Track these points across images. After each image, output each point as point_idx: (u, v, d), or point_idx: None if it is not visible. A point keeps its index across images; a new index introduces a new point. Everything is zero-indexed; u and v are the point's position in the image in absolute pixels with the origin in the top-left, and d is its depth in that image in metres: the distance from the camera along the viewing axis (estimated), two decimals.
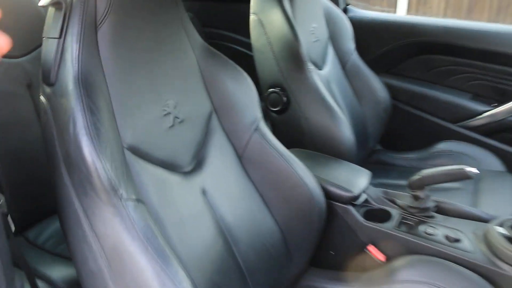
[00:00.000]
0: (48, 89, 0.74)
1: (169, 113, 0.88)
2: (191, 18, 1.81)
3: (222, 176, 0.95)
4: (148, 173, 0.80)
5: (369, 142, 1.64)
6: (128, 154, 0.77)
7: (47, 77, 0.74)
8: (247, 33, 1.40)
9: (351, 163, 1.22)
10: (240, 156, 1.00)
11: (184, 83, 0.93)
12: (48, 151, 0.74)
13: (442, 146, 1.64)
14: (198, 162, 0.92)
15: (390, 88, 1.67)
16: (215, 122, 0.98)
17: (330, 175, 1.13)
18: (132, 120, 0.80)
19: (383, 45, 1.77)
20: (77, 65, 0.72)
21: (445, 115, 1.70)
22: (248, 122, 0.99)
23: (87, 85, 0.71)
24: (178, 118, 0.90)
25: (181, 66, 0.93)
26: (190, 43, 0.97)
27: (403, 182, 1.49)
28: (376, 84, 1.63)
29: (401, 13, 4.35)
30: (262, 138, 0.99)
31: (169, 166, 0.86)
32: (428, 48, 1.70)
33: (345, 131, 1.29)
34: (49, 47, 0.74)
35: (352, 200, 1.10)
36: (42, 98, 0.75)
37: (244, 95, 1.00)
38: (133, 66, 0.82)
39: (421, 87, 1.74)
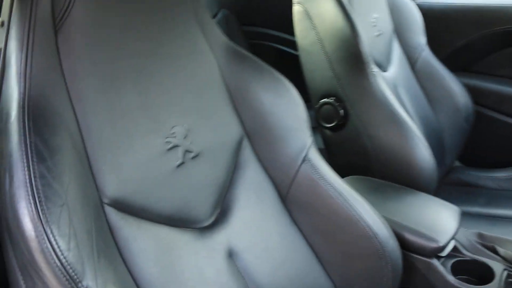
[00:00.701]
0: None
1: (176, 146, 0.65)
2: (226, 16, 1.62)
3: (257, 227, 0.71)
4: (145, 236, 0.57)
5: (446, 159, 1.38)
6: (111, 213, 0.55)
7: None
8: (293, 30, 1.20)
9: (432, 197, 0.96)
10: (284, 197, 0.75)
11: (199, 100, 0.70)
12: None
13: None
14: (222, 212, 0.69)
15: (471, 90, 1.42)
16: (247, 152, 0.74)
17: (406, 217, 0.86)
18: (117, 161, 0.58)
19: (461, 37, 1.52)
20: (23, 83, 0.50)
21: None
22: (294, 151, 0.75)
23: (37, 114, 0.50)
24: (190, 151, 0.67)
25: (193, 76, 0.70)
26: (208, 43, 0.73)
27: (493, 211, 1.23)
28: (454, 86, 1.38)
29: None
30: (313, 172, 0.75)
31: (178, 222, 0.63)
32: None
33: (423, 152, 1.03)
34: None
35: (437, 252, 0.83)
36: None
37: (287, 113, 0.76)
38: (116, 80, 0.60)
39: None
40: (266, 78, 0.77)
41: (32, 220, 0.44)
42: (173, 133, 0.65)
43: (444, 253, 0.85)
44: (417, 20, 1.42)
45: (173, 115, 0.66)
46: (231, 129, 0.74)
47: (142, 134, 0.62)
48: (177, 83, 0.68)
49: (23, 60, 0.51)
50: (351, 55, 1.08)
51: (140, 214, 0.58)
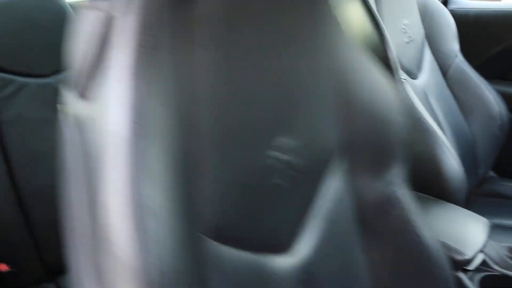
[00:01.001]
0: (81, 103, 0.44)
1: (277, 160, 0.52)
2: None
3: (330, 254, 0.60)
4: (238, 268, 0.49)
5: (479, 169, 1.32)
6: (209, 245, 0.46)
7: (78, 85, 0.44)
8: None
9: (460, 208, 0.92)
10: (361, 221, 0.64)
11: (310, 104, 0.57)
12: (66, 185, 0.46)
13: None
14: (301, 235, 0.58)
15: (506, 98, 1.35)
16: (338, 167, 0.62)
17: (434, 229, 0.82)
18: (222, 180, 0.47)
19: (496, 44, 1.46)
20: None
21: None
22: (382, 170, 0.64)
23: (144, 119, 0.39)
24: (292, 168, 0.54)
25: (307, 73, 0.57)
26: (329, 35, 0.60)
27: None
28: (488, 94, 1.31)
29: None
30: (395, 198, 0.63)
31: (264, 248, 0.53)
32: None
33: (451, 162, 0.99)
34: (86, 24, 0.44)
35: (463, 265, 0.80)
36: (68, 111, 0.47)
37: (389, 130, 0.63)
38: (240, 77, 0.48)
39: None
40: (381, 83, 0.64)
41: (133, 254, 0.36)
42: (276, 145, 0.52)
43: (472, 266, 0.81)
44: (449, 26, 1.37)
45: (280, 122, 0.53)
46: (329, 140, 0.61)
47: (247, 145, 0.50)
48: (291, 82, 0.55)
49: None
50: (378, 62, 1.04)
51: (235, 243, 0.49)
